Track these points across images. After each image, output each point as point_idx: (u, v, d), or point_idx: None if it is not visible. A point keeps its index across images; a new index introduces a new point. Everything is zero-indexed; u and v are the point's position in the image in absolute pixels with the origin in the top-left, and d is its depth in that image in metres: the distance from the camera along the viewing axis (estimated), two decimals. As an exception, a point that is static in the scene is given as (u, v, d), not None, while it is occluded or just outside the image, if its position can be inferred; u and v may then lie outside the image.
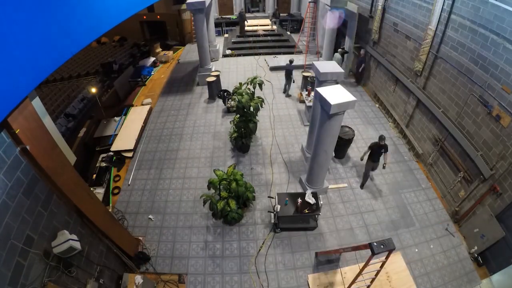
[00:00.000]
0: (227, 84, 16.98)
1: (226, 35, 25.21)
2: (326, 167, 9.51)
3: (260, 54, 21.43)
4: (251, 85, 11.08)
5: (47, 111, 6.16)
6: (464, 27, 8.99)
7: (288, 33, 25.41)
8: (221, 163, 11.78)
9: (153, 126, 14.12)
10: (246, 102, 10.38)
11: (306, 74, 15.84)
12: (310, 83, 14.88)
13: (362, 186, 10.63)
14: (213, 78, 15.55)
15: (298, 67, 17.70)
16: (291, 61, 15.13)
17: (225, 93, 15.38)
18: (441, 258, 8.59)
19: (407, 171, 11.34)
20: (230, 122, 12.11)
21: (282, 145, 12.54)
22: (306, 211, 8.67)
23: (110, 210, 9.81)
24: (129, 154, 12.34)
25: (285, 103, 15.52)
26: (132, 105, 15.64)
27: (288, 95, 16.17)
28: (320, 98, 7.79)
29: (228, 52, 21.67)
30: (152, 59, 21.43)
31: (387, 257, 5.77)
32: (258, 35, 22.95)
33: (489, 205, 8.30)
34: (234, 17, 25.83)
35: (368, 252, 5.44)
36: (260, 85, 11.02)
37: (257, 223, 9.51)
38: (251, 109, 10.87)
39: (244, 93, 10.62)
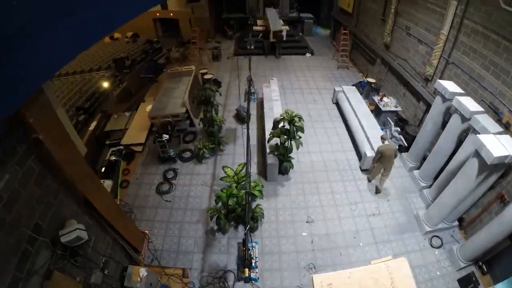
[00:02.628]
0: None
1: (237, 34, 25.29)
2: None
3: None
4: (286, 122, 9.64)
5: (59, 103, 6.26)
6: (476, 33, 8.95)
7: (301, 34, 25.42)
8: (229, 161, 11.87)
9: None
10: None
11: (371, 80, 16.19)
12: (374, 90, 15.45)
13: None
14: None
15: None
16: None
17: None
18: (445, 265, 8.53)
19: (416, 177, 11.26)
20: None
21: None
22: None
23: (118, 202, 9.91)
24: (139, 149, 12.47)
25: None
26: (144, 101, 15.77)
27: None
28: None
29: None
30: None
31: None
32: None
33: (495, 213, 8.20)
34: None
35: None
36: (302, 128, 9.54)
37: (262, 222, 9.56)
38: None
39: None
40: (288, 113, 9.50)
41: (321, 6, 29.08)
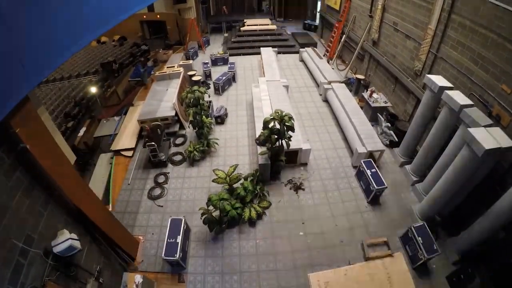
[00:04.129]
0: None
1: (225, 34, 25.18)
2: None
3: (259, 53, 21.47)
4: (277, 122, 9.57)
5: (46, 111, 6.16)
6: (464, 27, 9.00)
7: (288, 32, 25.41)
8: (221, 163, 11.83)
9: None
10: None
11: (360, 76, 16.28)
12: (364, 86, 15.68)
13: None
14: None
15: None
16: None
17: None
18: (441, 257, 8.57)
19: (407, 172, 11.31)
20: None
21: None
22: None
23: (110, 209, 9.79)
24: (129, 154, 12.34)
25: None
26: (132, 105, 15.62)
27: None
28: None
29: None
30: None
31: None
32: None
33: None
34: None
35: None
36: (292, 127, 9.52)
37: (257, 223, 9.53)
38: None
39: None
40: (278, 113, 9.45)
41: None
